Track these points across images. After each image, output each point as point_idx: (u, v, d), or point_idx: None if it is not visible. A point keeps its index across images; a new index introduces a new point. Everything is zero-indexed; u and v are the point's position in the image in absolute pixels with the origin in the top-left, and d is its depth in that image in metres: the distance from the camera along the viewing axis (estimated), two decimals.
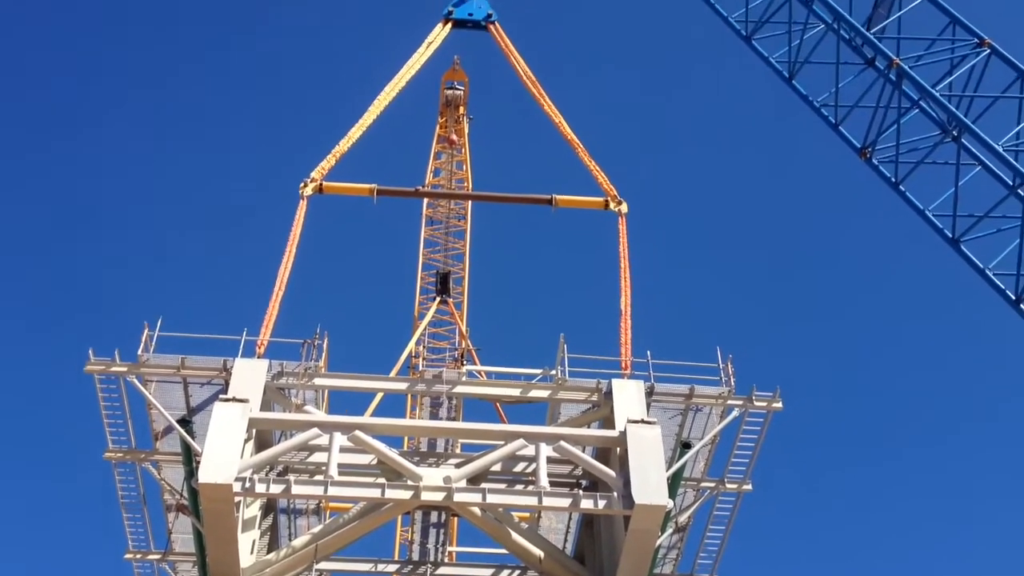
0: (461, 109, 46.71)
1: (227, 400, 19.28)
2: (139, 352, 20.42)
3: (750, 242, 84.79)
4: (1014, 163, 21.91)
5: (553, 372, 21.56)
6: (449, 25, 30.54)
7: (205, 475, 17.94)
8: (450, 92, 46.45)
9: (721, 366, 21.44)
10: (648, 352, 21.59)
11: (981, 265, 22.45)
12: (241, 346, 20.88)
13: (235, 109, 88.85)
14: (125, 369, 20.38)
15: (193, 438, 19.11)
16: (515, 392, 21.79)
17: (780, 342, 78.51)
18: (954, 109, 22.92)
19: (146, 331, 20.71)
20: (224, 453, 18.30)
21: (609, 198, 26.19)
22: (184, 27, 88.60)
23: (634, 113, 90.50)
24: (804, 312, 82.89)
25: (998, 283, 22.14)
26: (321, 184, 25.24)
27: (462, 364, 33.28)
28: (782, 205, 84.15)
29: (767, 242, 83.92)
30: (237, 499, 18.38)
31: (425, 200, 42.39)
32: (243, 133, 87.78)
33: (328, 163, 25.67)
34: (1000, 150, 22.07)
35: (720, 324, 74.90)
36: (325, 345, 21.44)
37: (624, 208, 25.90)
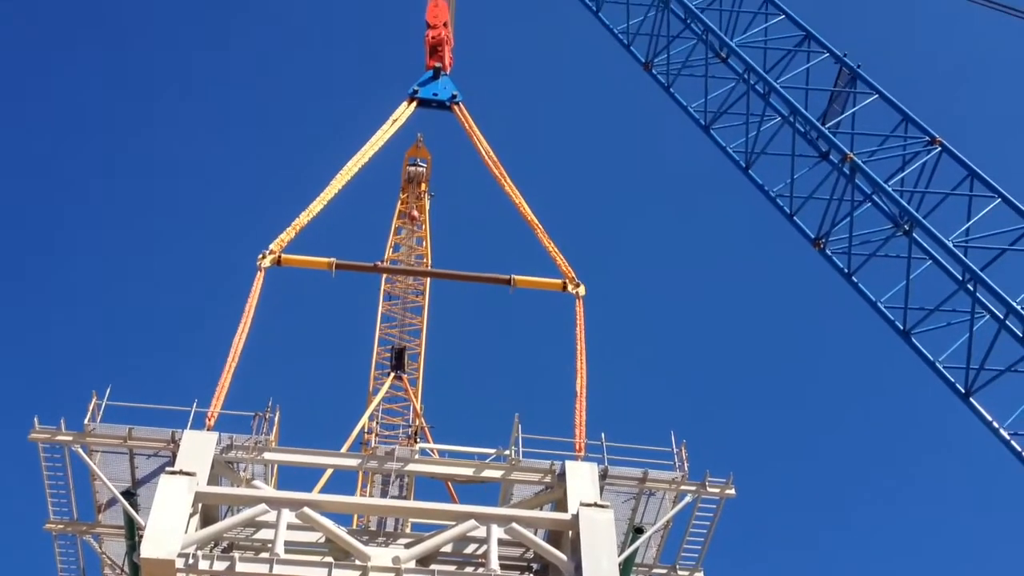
0: (423, 186, 47.07)
1: (174, 473, 18.89)
2: (85, 421, 20.04)
3: (706, 326, 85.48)
4: (964, 259, 22.37)
5: (507, 452, 21.41)
6: (414, 104, 30.89)
7: (148, 550, 17.49)
8: (412, 169, 46.85)
9: (675, 450, 21.44)
10: (603, 434, 21.56)
11: (932, 358, 22.74)
12: (191, 417, 20.57)
13: (194, 175, 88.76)
14: (70, 438, 19.97)
15: (137, 511, 18.67)
16: (468, 472, 21.59)
17: (734, 425, 78.75)
18: (906, 204, 23.44)
19: (94, 399, 20.36)
20: (168, 528, 17.87)
21: (567, 280, 26.36)
22: (150, 88, 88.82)
23: (595, 194, 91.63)
24: (758, 396, 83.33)
25: (948, 376, 22.42)
26: (280, 256, 25.16)
27: (415, 442, 33.00)
28: (738, 291, 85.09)
29: (723, 327, 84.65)
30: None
31: (383, 275, 42.38)
32: (202, 201, 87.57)
33: (287, 235, 25.62)
34: (950, 245, 22.54)
35: (675, 407, 75.06)
36: (276, 419, 21.19)
37: (582, 291, 26.07)
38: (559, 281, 26.61)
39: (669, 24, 28.41)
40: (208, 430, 20.55)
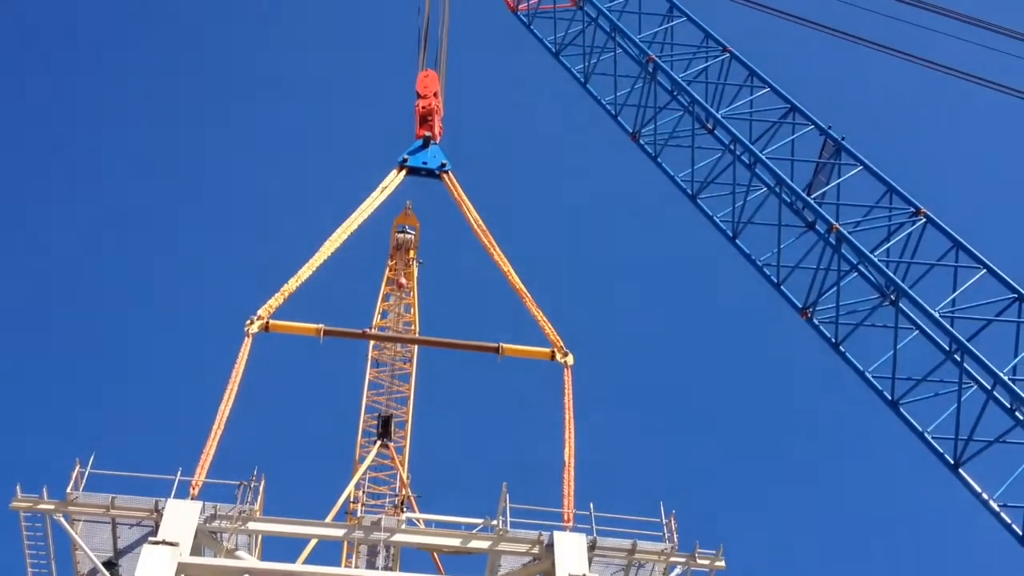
0: (411, 253, 47.20)
1: (156, 543, 18.67)
2: (68, 489, 19.82)
3: (696, 395, 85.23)
4: (950, 329, 22.47)
5: (494, 522, 21.23)
6: (404, 171, 31.15)
7: None
8: (401, 236, 47.03)
9: (664, 521, 21.28)
10: (591, 504, 21.43)
11: (920, 428, 22.72)
12: (175, 486, 20.39)
13: (185, 239, 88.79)
14: (52, 507, 19.74)
15: None
16: (455, 542, 21.37)
17: (724, 496, 78.10)
18: (892, 274, 23.60)
19: (77, 467, 20.16)
20: None
21: (555, 349, 26.40)
22: (145, 147, 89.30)
23: (584, 262, 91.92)
24: (749, 465, 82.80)
25: (937, 447, 22.37)
26: (268, 322, 25.15)
27: (401, 511, 32.62)
28: (728, 359, 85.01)
29: (713, 396, 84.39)
30: None
31: (371, 342, 42.28)
32: (191, 265, 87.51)
33: (276, 301, 25.65)
34: (937, 316, 22.66)
35: (664, 476, 74.52)
36: (261, 487, 21.02)
37: (570, 360, 26.09)
38: (547, 350, 26.65)
39: (656, 96, 28.84)
40: (192, 499, 20.34)
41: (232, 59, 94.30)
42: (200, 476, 20.93)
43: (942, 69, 29.02)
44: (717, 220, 27.18)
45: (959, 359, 22.44)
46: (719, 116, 27.20)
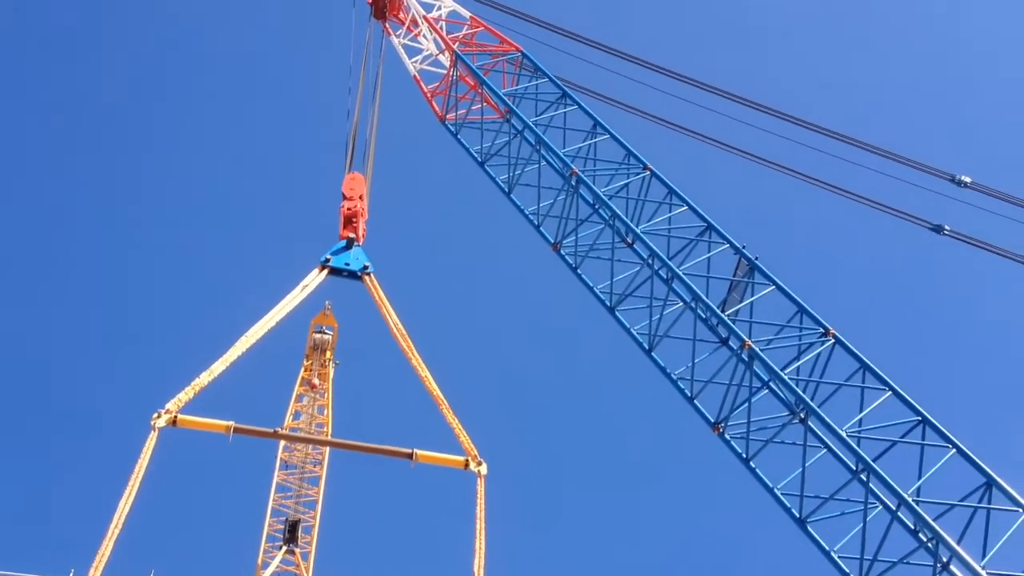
0: (328, 354, 46.82)
1: None
2: None
3: (610, 508, 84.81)
4: (857, 449, 22.89)
5: None
6: (325, 271, 31.02)
7: None
8: (318, 336, 46.71)
9: None
10: None
11: (827, 547, 22.90)
12: None
13: (93, 327, 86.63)
14: None
15: None
16: None
17: None
18: (801, 393, 24.05)
19: None
20: None
21: (469, 458, 26.18)
22: (56, 227, 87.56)
23: (503, 372, 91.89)
24: None
25: (843, 567, 22.54)
26: (176, 416, 24.50)
27: None
28: (642, 474, 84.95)
29: (627, 509, 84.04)
30: None
31: (282, 443, 41.49)
32: (99, 355, 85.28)
33: (186, 395, 25.02)
34: (844, 435, 23.09)
35: None
36: None
37: (484, 469, 25.88)
38: (461, 459, 26.38)
39: (578, 208, 29.39)
40: None
41: (162, 144, 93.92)
42: None
43: (853, 197, 30.24)
44: (634, 333, 27.52)
45: (865, 479, 22.81)
46: (638, 231, 27.80)
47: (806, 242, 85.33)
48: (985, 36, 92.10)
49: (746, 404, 24.89)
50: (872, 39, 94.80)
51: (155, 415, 24.25)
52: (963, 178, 29.57)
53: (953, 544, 21.21)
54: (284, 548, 40.12)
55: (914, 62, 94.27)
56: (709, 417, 25.43)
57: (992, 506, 22.04)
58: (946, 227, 29.42)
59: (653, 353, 27.00)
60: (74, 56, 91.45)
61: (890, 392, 24.11)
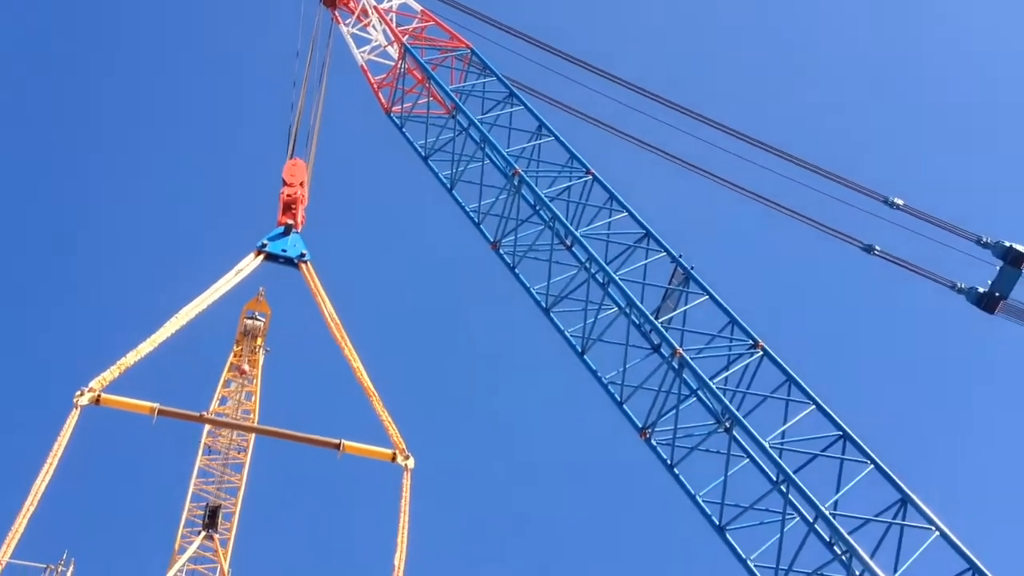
0: (259, 340, 46.33)
1: None
2: None
3: (536, 510, 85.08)
4: (779, 460, 23.30)
5: None
6: (261, 257, 30.71)
7: None
8: (250, 322, 46.19)
9: None
10: None
11: (744, 555, 23.26)
12: None
13: (18, 300, 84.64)
14: None
15: None
16: None
17: None
18: (728, 403, 24.41)
19: None
20: None
21: (397, 451, 26.16)
22: None
23: (439, 369, 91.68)
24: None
25: (758, 575, 22.92)
26: (99, 395, 24.10)
27: None
28: (572, 477, 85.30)
29: (553, 513, 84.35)
30: None
31: (206, 427, 40.98)
32: (23, 331, 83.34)
33: (111, 374, 24.64)
34: (767, 446, 23.48)
35: None
36: (70, 573, 19.86)
37: (411, 463, 25.88)
38: (389, 452, 26.36)
39: (519, 208, 29.47)
40: None
41: (97, 124, 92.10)
42: (4, 556, 19.64)
43: (791, 214, 30.73)
44: (568, 335, 27.67)
45: (785, 490, 23.24)
46: (578, 234, 27.97)
47: (742, 255, 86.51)
48: (929, 62, 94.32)
49: (674, 411, 25.19)
50: (822, 61, 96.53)
51: (78, 393, 23.84)
52: (896, 200, 30.25)
53: (866, 558, 21.68)
54: (203, 534, 39.60)
55: (857, 84, 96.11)
56: (637, 422, 25.68)
57: (906, 523, 22.58)
58: (876, 247, 30.07)
59: (586, 356, 27.17)
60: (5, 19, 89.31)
61: (814, 406, 24.59)
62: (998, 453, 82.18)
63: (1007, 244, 28.80)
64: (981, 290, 29.04)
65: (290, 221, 31.86)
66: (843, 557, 22.20)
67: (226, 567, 37.81)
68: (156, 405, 25.24)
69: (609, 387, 26.52)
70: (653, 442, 25.38)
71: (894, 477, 23.29)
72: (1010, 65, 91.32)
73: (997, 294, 28.84)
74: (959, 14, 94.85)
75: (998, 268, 28.93)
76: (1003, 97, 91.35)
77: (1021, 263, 28.62)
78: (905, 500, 22.88)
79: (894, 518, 22.69)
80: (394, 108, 33.17)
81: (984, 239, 29.19)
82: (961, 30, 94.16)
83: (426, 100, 32.67)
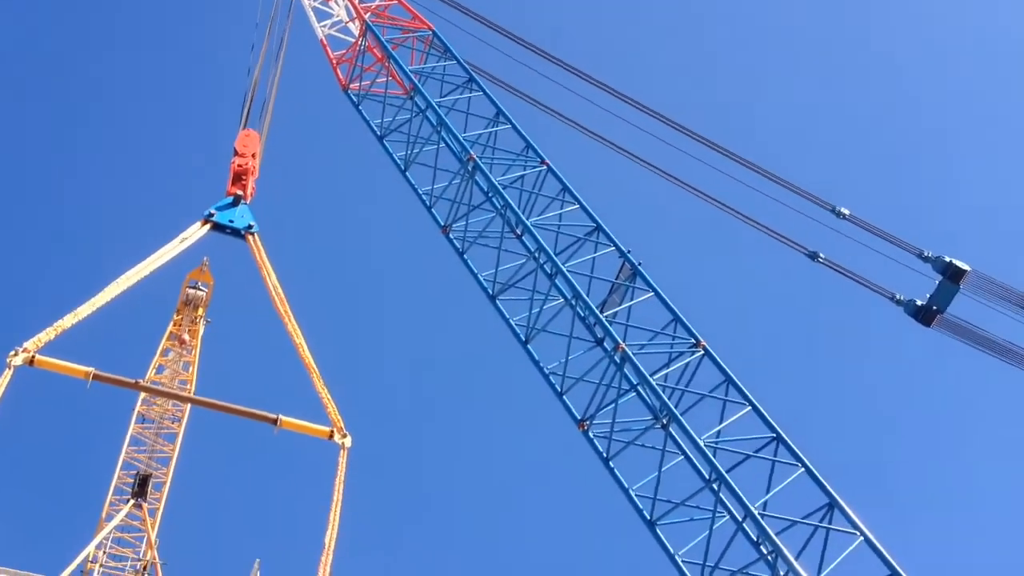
0: (200, 310, 45.83)
1: None
2: None
3: (470, 493, 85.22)
4: (712, 459, 23.59)
5: None
6: (208, 226, 30.31)
7: None
8: (192, 291, 45.66)
9: None
10: None
11: (672, 550, 23.54)
12: None
13: None
14: None
15: None
16: None
17: None
18: (666, 399, 24.64)
19: None
20: None
21: (335, 429, 26.03)
22: None
23: (383, 348, 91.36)
24: (516, 562, 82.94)
25: (685, 571, 23.21)
26: (34, 356, 23.65)
27: None
28: (510, 467, 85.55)
29: (486, 497, 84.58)
30: None
31: (141, 395, 40.46)
32: None
33: (47, 335, 24.16)
34: (702, 444, 23.76)
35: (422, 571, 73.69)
36: None
37: (348, 442, 25.76)
38: (327, 429, 26.20)
39: (472, 194, 29.46)
40: None
41: (45, 85, 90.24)
42: None
43: (741, 217, 31.07)
44: (513, 323, 27.74)
45: (716, 488, 23.54)
46: (529, 223, 28.02)
47: (691, 254, 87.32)
48: (898, 75, 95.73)
49: (613, 405, 25.38)
50: (778, 65, 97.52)
51: (12, 353, 23.37)
52: (842, 210, 30.73)
53: (791, 559, 22.05)
54: (132, 502, 39.14)
55: (814, 88, 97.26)
56: (576, 414, 25.85)
57: (832, 527, 22.99)
58: (821, 255, 30.52)
59: (529, 345, 27.27)
60: None
61: (750, 407, 24.93)
62: (929, 462, 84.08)
63: (947, 259, 29.40)
64: (919, 303, 29.64)
65: (239, 192, 31.45)
66: (769, 557, 22.57)
67: (153, 537, 37.39)
68: (91, 370, 24.85)
69: (550, 377, 26.65)
70: (591, 434, 25.57)
71: (823, 481, 23.70)
72: (971, 84, 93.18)
73: (935, 308, 29.44)
74: (925, 24, 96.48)
75: (937, 283, 29.53)
76: (961, 114, 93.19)
77: (960, 279, 29.22)
78: (832, 504, 23.29)
79: (821, 521, 23.09)
80: (352, 85, 32.92)
81: (926, 253, 29.77)
82: (927, 41, 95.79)
83: (385, 79, 32.47)
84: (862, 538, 22.89)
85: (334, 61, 33.37)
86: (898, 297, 29.99)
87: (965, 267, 29.21)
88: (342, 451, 25.70)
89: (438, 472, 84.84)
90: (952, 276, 29.30)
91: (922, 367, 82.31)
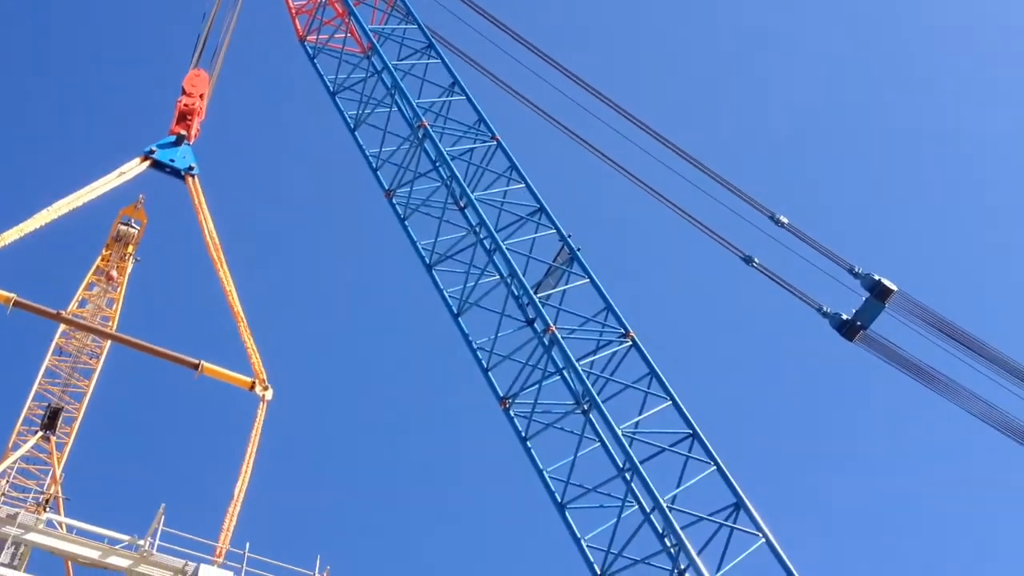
0: (130, 248, 45.03)
1: None
2: None
3: (386, 453, 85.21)
4: (628, 449, 23.84)
5: (140, 542, 20.18)
6: (147, 163, 29.77)
7: None
8: (123, 228, 44.85)
9: (319, 573, 21.03)
10: (247, 544, 20.85)
11: (578, 534, 23.79)
12: None
13: None
14: None
15: None
16: (93, 554, 20.12)
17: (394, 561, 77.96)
18: (590, 386, 24.83)
19: None
20: None
21: (257, 380, 25.84)
22: None
23: (314, 302, 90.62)
24: (418, 534, 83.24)
25: (588, 555, 23.48)
26: None
27: (44, 510, 30.41)
28: (426, 437, 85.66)
29: (400, 460, 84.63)
30: None
31: (61, 327, 39.68)
32: None
33: None
34: (619, 434, 24.00)
35: (332, 530, 73.65)
36: None
37: (268, 394, 25.62)
38: (248, 380, 26.02)
39: (419, 161, 29.28)
40: None
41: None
42: None
43: (686, 216, 31.31)
44: (447, 294, 27.70)
45: (628, 478, 23.82)
46: (473, 197, 27.95)
47: (631, 245, 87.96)
48: (864, 84, 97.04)
49: (536, 386, 25.51)
50: (741, 75, 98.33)
51: None
52: (781, 218, 31.14)
53: (693, 554, 22.42)
54: (40, 434, 38.44)
55: (770, 96, 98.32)
56: (499, 391, 25.93)
57: (736, 526, 23.40)
58: (755, 259, 30.91)
59: (460, 318, 27.26)
60: None
61: (670, 402, 25.21)
62: (844, 473, 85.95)
63: (876, 277, 29.96)
64: (845, 317, 30.17)
65: (183, 131, 30.97)
66: (672, 550, 22.91)
67: (59, 471, 36.79)
68: (13, 296, 24.41)
69: (478, 352, 26.69)
70: (512, 413, 25.67)
71: (732, 481, 24.09)
72: (930, 101, 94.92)
73: (859, 323, 30.01)
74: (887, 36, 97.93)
75: (864, 299, 30.08)
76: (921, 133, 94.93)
77: (886, 297, 29.81)
78: (739, 505, 23.69)
79: (726, 520, 23.48)
80: (309, 37, 32.47)
81: (856, 269, 30.30)
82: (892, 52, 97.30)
83: (343, 35, 32.08)
84: (764, 540, 23.32)
85: (293, 10, 32.86)
86: (825, 309, 30.50)
87: (892, 287, 29.80)
88: (262, 403, 25.57)
89: (357, 432, 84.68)
90: (879, 294, 29.87)
91: (841, 380, 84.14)
